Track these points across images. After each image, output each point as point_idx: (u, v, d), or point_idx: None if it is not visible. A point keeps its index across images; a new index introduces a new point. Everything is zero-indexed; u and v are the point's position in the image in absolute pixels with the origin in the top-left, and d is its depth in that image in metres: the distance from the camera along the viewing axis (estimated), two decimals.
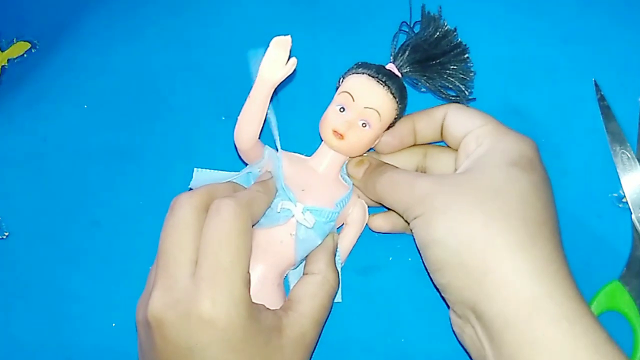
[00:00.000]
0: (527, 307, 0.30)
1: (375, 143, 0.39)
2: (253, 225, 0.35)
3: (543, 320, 0.30)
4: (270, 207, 0.36)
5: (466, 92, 0.39)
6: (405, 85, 0.38)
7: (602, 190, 0.41)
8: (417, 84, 0.39)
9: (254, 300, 0.33)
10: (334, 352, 0.40)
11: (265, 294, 0.36)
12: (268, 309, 0.34)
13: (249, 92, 0.46)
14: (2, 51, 0.48)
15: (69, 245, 0.44)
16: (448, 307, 0.35)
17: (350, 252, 0.40)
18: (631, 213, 0.41)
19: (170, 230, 0.33)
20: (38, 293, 0.43)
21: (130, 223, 0.44)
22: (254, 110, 0.36)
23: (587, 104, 0.43)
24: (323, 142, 0.39)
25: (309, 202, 0.37)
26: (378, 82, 0.37)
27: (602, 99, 0.42)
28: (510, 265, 0.31)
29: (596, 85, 0.43)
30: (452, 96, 0.39)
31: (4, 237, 0.44)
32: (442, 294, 0.35)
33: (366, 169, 0.38)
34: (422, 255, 0.34)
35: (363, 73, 0.37)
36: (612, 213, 0.41)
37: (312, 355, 0.36)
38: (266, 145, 0.38)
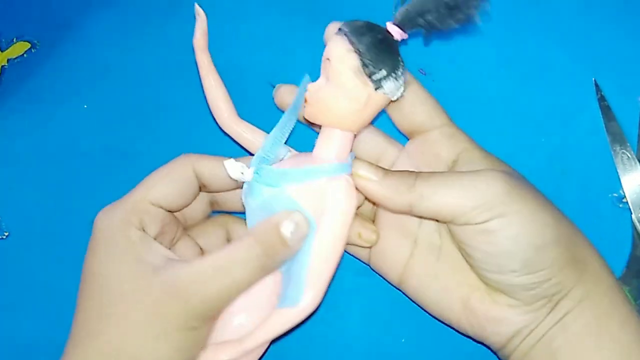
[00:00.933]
0: (610, 292, 0.32)
1: (367, 110, 0.32)
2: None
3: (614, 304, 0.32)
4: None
5: (477, 12, 0.31)
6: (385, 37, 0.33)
7: (602, 190, 0.41)
8: (428, 32, 0.33)
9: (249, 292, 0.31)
10: (334, 352, 0.40)
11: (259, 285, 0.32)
12: (167, 250, 0.32)
13: (248, 92, 0.46)
14: (1, 51, 0.48)
15: (68, 245, 0.44)
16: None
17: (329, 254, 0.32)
18: (631, 213, 0.41)
19: None
20: (38, 293, 0.43)
21: None
22: (205, 84, 0.37)
23: (587, 104, 0.43)
24: None
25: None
26: (338, 33, 0.32)
27: (602, 98, 0.42)
28: (594, 254, 0.33)
29: (596, 85, 0.43)
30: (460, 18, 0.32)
31: (4, 237, 0.44)
32: (521, 294, 0.32)
33: (387, 172, 0.33)
34: (512, 259, 0.31)
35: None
36: (612, 213, 0.41)
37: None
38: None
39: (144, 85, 0.46)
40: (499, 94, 0.43)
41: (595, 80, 0.43)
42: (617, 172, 0.41)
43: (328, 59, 0.32)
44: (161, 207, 0.34)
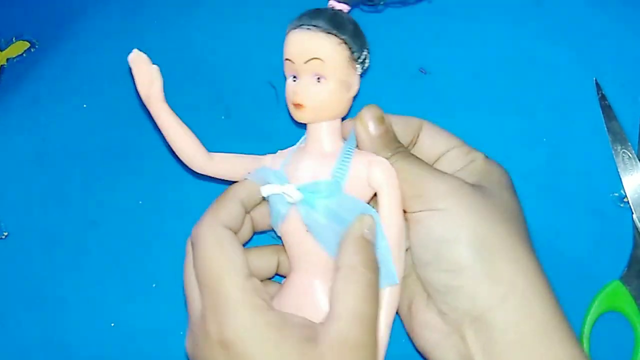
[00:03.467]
0: (524, 311, 0.31)
1: (353, 91, 0.34)
2: (256, 233, 0.34)
3: (533, 324, 0.31)
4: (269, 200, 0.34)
5: None
6: (344, 13, 0.34)
7: (603, 190, 0.41)
8: (371, 1, 0.35)
9: (300, 314, 0.32)
10: None
11: (319, 303, 0.33)
12: (301, 319, 0.32)
13: (248, 92, 0.46)
14: (1, 50, 0.48)
15: (68, 245, 0.44)
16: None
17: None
18: (632, 213, 0.41)
19: (185, 269, 0.34)
20: (37, 293, 0.43)
21: (129, 223, 0.43)
22: (171, 133, 0.34)
23: (588, 104, 0.42)
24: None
25: (302, 181, 0.33)
26: (302, 29, 0.32)
27: (603, 98, 0.42)
28: (525, 279, 0.31)
29: (597, 84, 0.43)
30: None
31: (3, 237, 0.44)
32: (437, 299, 0.33)
33: (384, 132, 0.34)
34: (425, 251, 0.32)
35: (290, 31, 0.33)
36: (613, 213, 0.41)
37: (376, 353, 0.32)
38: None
39: None
40: (499, 94, 0.43)
41: (596, 79, 0.43)
42: (618, 172, 0.41)
43: (316, 58, 0.32)
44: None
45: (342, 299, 0.31)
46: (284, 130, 0.40)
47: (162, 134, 0.34)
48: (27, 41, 0.48)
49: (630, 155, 0.41)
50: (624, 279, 0.40)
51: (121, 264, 0.43)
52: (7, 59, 0.48)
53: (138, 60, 0.34)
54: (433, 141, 0.36)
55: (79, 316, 0.42)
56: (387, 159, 0.34)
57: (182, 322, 0.41)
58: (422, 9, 0.45)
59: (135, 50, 0.34)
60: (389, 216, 0.33)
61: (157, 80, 0.34)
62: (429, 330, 0.33)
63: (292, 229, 0.34)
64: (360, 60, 0.33)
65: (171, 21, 0.47)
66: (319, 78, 0.33)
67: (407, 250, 0.34)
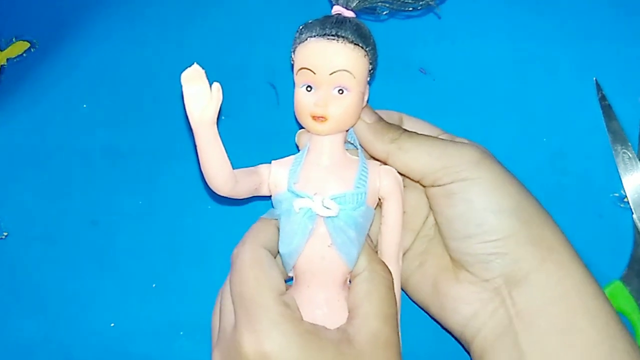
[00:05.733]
0: (580, 285, 0.32)
1: (365, 101, 0.34)
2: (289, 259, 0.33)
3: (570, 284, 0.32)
4: (289, 216, 0.33)
5: None
6: (363, 21, 0.34)
7: (603, 190, 0.41)
8: (375, 11, 0.35)
9: (326, 326, 0.32)
10: None
11: (335, 314, 0.33)
12: (329, 329, 0.32)
13: (249, 93, 0.46)
14: (1, 50, 0.48)
15: (67, 245, 0.44)
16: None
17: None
18: (632, 213, 0.41)
19: (223, 289, 0.34)
20: (37, 293, 0.43)
21: (129, 223, 0.43)
22: (210, 156, 0.31)
23: (588, 104, 0.42)
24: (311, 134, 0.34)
25: (327, 194, 0.33)
26: (328, 39, 0.31)
27: (603, 98, 0.42)
28: (559, 241, 0.33)
29: (597, 84, 0.43)
30: (420, 4, 0.35)
31: (3, 237, 0.44)
32: (478, 268, 0.33)
33: (379, 118, 0.35)
34: (467, 223, 0.32)
35: (308, 38, 0.32)
36: (613, 213, 0.41)
37: (400, 352, 0.33)
38: (258, 166, 0.35)
39: (143, 85, 0.46)
40: (499, 94, 0.43)
41: (596, 79, 0.43)
42: (618, 172, 0.41)
43: (345, 70, 0.31)
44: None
45: (369, 300, 0.32)
46: (284, 130, 0.40)
47: (197, 154, 0.31)
48: (27, 41, 0.48)
49: (630, 155, 0.41)
50: (624, 279, 0.40)
51: (121, 264, 0.43)
52: (7, 59, 0.48)
53: (196, 77, 0.29)
54: (416, 131, 0.36)
55: (79, 316, 0.42)
56: (396, 139, 0.34)
57: (182, 322, 0.41)
58: (422, 9, 0.45)
59: (195, 65, 0.29)
60: (396, 220, 0.34)
61: (217, 102, 0.29)
62: (465, 302, 0.34)
63: (316, 244, 0.33)
64: (371, 72, 0.33)
65: (171, 21, 0.47)
66: (340, 90, 0.32)
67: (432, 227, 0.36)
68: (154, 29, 0.47)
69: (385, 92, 0.42)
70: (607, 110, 0.42)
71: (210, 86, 0.29)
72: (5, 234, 0.44)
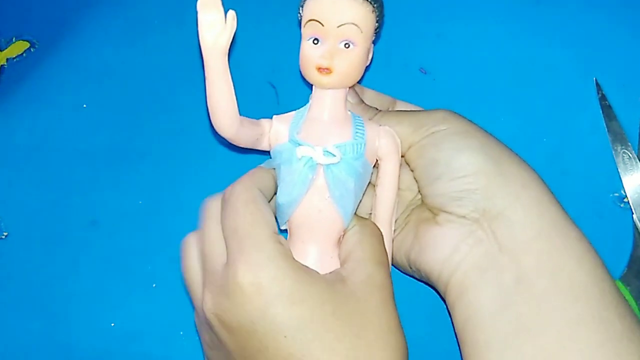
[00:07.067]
0: (561, 226, 0.33)
1: (370, 59, 0.34)
2: (290, 206, 0.34)
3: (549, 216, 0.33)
4: (290, 165, 0.33)
5: None
6: None
7: (603, 190, 0.41)
8: None
9: None
10: None
11: (327, 270, 0.33)
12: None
13: (249, 93, 0.46)
14: (1, 50, 0.48)
15: (67, 245, 0.44)
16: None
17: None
18: (632, 213, 0.41)
19: (206, 228, 0.34)
20: (37, 293, 0.43)
21: (129, 223, 0.43)
22: (218, 90, 0.31)
23: (588, 103, 0.42)
24: (314, 87, 0.34)
25: (328, 145, 0.33)
26: None
27: (603, 98, 0.42)
28: (533, 178, 0.34)
29: (597, 84, 0.43)
30: None
31: (3, 237, 0.44)
32: (453, 206, 0.34)
33: (360, 100, 0.37)
34: (436, 165, 0.34)
35: None
36: (613, 213, 0.41)
37: (394, 303, 0.33)
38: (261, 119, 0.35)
39: (143, 85, 0.46)
40: (499, 94, 0.43)
41: (596, 79, 0.43)
42: (618, 172, 0.41)
43: (353, 24, 0.32)
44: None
45: (362, 247, 0.33)
46: None
47: (205, 88, 0.32)
48: (27, 41, 0.48)
49: (630, 155, 0.41)
50: (624, 279, 0.40)
51: (121, 264, 0.43)
52: (7, 59, 0.48)
53: (211, 5, 0.30)
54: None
55: (79, 316, 0.42)
56: (371, 118, 0.36)
57: (182, 322, 0.41)
58: (422, 9, 0.45)
59: None
60: (391, 182, 0.35)
61: (231, 30, 0.30)
62: (444, 238, 0.34)
63: (314, 195, 0.33)
64: (377, 30, 0.34)
65: (171, 21, 0.47)
66: (347, 44, 0.32)
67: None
68: (154, 28, 0.47)
69: (385, 92, 0.42)
70: (607, 110, 0.42)
71: (225, 14, 0.30)
72: (5, 234, 0.44)
